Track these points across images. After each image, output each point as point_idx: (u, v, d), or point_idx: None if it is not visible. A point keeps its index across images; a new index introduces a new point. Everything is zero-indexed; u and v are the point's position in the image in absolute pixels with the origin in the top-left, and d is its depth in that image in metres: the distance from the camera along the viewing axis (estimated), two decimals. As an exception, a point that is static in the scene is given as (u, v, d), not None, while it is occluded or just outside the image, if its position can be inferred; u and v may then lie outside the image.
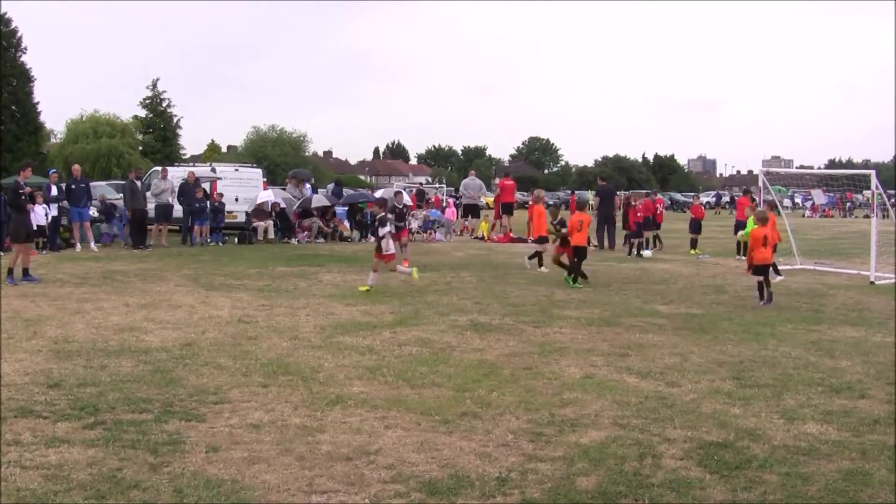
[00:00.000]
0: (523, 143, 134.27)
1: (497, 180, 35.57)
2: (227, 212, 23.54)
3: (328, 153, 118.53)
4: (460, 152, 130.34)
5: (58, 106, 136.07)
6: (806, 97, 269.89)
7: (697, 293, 13.27)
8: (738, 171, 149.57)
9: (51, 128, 61.22)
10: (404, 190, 32.15)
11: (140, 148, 56.59)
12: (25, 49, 51.10)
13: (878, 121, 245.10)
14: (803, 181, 40.39)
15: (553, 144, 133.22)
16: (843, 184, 33.06)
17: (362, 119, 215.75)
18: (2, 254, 16.16)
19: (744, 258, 16.55)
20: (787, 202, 48.02)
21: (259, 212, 23.62)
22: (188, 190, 21.51)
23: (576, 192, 56.91)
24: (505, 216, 26.01)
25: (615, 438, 5.61)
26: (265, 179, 28.04)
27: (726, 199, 66.78)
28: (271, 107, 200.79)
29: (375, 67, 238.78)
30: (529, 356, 8.21)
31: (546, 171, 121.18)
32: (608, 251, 21.45)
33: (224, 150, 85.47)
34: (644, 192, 30.90)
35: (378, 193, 30.13)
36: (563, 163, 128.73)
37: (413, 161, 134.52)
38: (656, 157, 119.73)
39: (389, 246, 12.92)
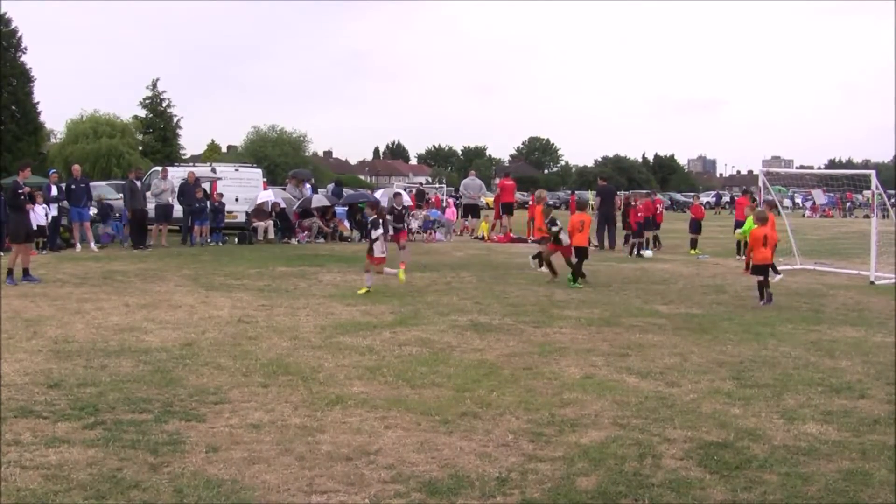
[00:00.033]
0: (523, 143, 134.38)
1: (497, 180, 35.60)
2: (227, 212, 23.54)
3: (328, 153, 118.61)
4: (460, 152, 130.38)
5: (58, 106, 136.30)
6: (806, 97, 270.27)
7: (697, 293, 13.27)
8: (738, 171, 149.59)
9: (51, 128, 61.39)
10: (404, 190, 32.23)
11: (140, 148, 56.61)
12: (25, 49, 51.24)
13: (878, 121, 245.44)
14: (803, 181, 40.42)
15: (553, 144, 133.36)
16: (843, 184, 33.07)
17: (362, 119, 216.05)
18: (1, 254, 16.15)
19: (743, 258, 16.57)
20: (787, 202, 48.03)
21: (259, 212, 23.62)
22: (188, 190, 21.51)
23: (576, 192, 56.90)
24: (505, 216, 26.02)
25: (615, 438, 5.61)
26: (265, 179, 28.05)
27: (726, 199, 66.79)
28: (271, 107, 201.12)
29: (375, 67, 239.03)
30: (529, 356, 8.21)
31: (546, 171, 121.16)
32: (608, 251, 21.45)
33: (224, 150, 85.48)
34: (644, 192, 30.91)
35: (378, 193, 30.20)
36: (563, 163, 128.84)
37: (413, 161, 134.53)
38: (656, 157, 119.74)
39: (381, 249, 12.88)
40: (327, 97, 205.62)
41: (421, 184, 50.77)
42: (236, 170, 26.50)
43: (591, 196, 33.12)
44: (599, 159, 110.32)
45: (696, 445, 5.49)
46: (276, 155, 65.11)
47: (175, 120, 62.16)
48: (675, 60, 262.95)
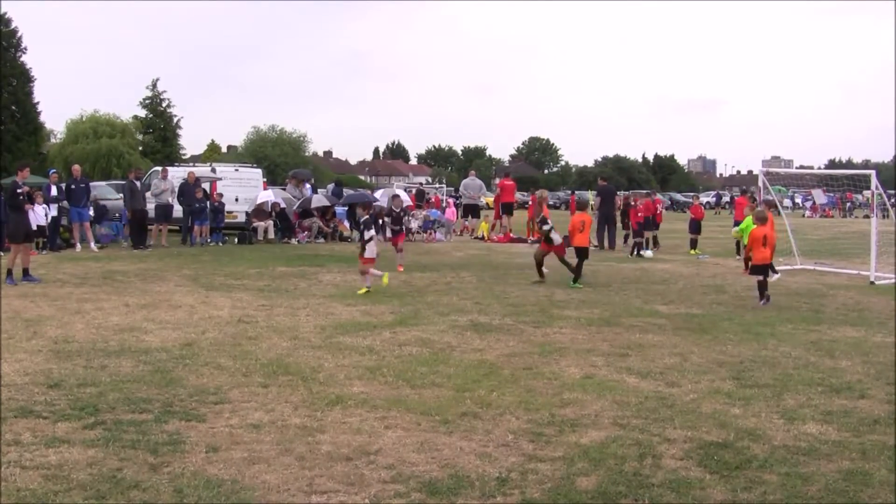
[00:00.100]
0: (523, 143, 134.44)
1: (497, 180, 35.61)
2: (227, 212, 23.55)
3: (328, 153, 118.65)
4: (460, 152, 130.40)
5: (58, 106, 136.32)
6: (806, 97, 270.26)
7: (697, 293, 13.27)
8: (738, 172, 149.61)
9: (51, 128, 61.39)
10: (404, 190, 32.24)
11: (140, 148, 56.58)
12: (25, 49, 51.21)
13: (878, 121, 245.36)
14: (803, 181, 40.43)
15: (553, 144, 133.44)
16: (843, 184, 33.09)
17: (362, 119, 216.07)
18: (1, 254, 16.15)
19: (742, 258, 16.55)
20: (787, 202, 48.03)
21: (259, 212, 23.63)
22: (188, 190, 21.51)
23: (576, 192, 56.95)
24: (505, 216, 26.01)
25: (615, 438, 5.61)
26: (265, 179, 28.06)
27: (726, 199, 66.79)
28: (271, 107, 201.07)
29: (375, 67, 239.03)
30: (529, 356, 8.21)
31: (546, 171, 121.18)
32: (608, 251, 21.45)
33: (224, 150, 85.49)
34: (644, 192, 30.91)
35: (378, 193, 30.22)
36: (563, 163, 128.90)
37: (413, 161, 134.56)
38: (656, 157, 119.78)
39: (373, 250, 12.84)
40: (327, 97, 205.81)
41: (421, 184, 50.77)
42: (236, 170, 26.51)
43: (590, 196, 33.08)
44: (599, 159, 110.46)
45: (696, 445, 5.49)
46: (276, 155, 65.11)
47: (175, 120, 62.20)
48: (675, 60, 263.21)
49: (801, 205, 57.00)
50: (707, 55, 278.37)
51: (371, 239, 12.82)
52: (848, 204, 54.53)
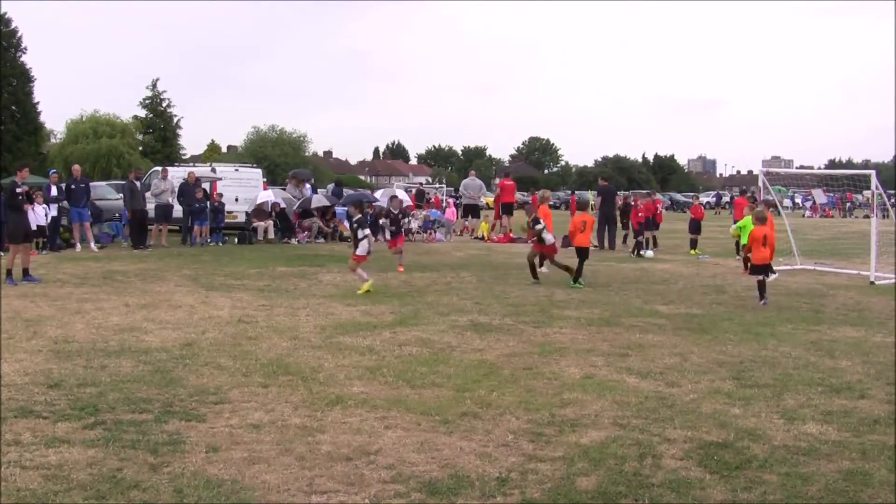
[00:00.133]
0: (523, 144, 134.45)
1: (497, 180, 35.59)
2: (227, 212, 23.55)
3: (328, 153, 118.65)
4: (460, 152, 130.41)
5: (58, 106, 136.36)
6: (806, 97, 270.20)
7: (697, 293, 13.27)
8: (738, 172, 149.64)
9: (51, 128, 61.42)
10: (405, 190, 32.23)
11: (140, 148, 56.59)
12: (25, 49, 51.27)
13: (878, 121, 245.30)
14: (803, 181, 40.45)
15: (553, 144, 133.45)
16: (843, 184, 33.09)
17: (362, 119, 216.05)
18: (1, 254, 16.16)
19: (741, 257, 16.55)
20: (787, 202, 48.04)
21: (259, 212, 23.63)
22: (188, 190, 21.51)
23: (576, 192, 56.95)
24: (505, 216, 26.01)
25: (615, 438, 5.61)
26: (265, 179, 28.06)
27: (726, 199, 66.80)
28: (271, 107, 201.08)
29: (375, 67, 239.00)
30: (529, 356, 8.21)
31: (546, 172, 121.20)
32: (608, 251, 21.45)
33: (224, 150, 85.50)
34: (644, 192, 30.93)
35: (378, 193, 30.23)
36: (563, 163, 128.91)
37: (413, 161, 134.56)
38: (656, 157, 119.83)
39: (365, 248, 12.79)
40: (327, 97, 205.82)
41: (421, 184, 50.79)
42: (236, 170, 26.51)
43: (590, 196, 33.09)
44: (599, 159, 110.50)
45: (696, 445, 5.49)
46: (276, 155, 65.12)
47: (175, 120, 62.23)
48: (675, 60, 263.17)
49: (801, 205, 57.00)
50: (707, 55, 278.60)
51: (365, 237, 12.80)
52: (848, 204, 54.56)
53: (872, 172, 17.48)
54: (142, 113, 60.81)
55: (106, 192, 25.59)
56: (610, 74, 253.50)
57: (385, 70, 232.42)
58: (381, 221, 19.99)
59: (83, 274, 14.57)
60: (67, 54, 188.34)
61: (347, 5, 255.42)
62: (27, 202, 14.88)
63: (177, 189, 21.63)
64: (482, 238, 25.96)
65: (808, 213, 52.44)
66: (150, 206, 21.09)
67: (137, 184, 21.21)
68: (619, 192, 28.51)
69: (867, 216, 34.36)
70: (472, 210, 28.41)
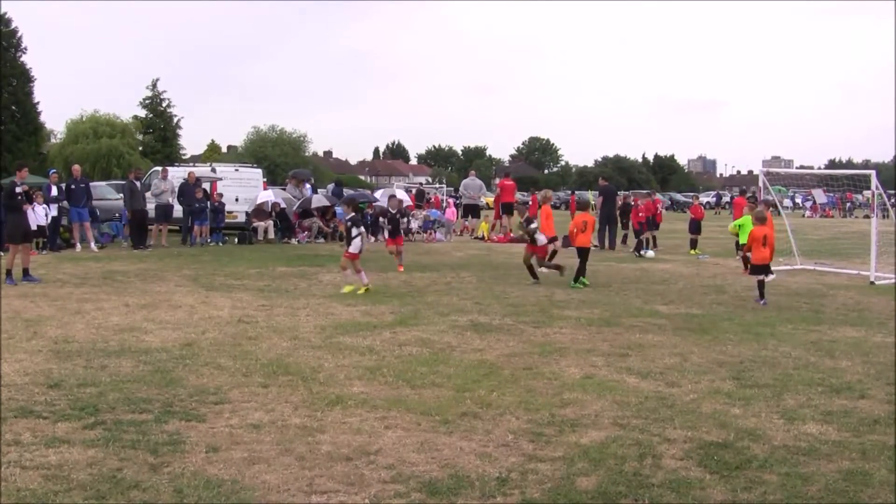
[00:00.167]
0: (523, 144, 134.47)
1: (497, 180, 35.63)
2: (227, 212, 23.55)
3: (328, 153, 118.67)
4: (460, 152, 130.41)
5: (58, 106, 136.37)
6: (806, 97, 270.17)
7: (697, 293, 13.27)
8: (739, 172, 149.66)
9: (51, 128, 61.40)
10: (405, 190, 32.21)
11: (140, 148, 56.59)
12: (25, 49, 51.27)
13: (878, 121, 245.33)
14: (803, 181, 40.47)
15: (553, 144, 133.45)
16: (843, 184, 33.10)
17: (362, 119, 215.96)
18: (1, 254, 16.16)
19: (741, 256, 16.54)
20: (787, 202, 48.05)
21: (259, 212, 23.63)
22: (188, 190, 21.52)
23: (576, 192, 56.96)
24: (505, 216, 26.02)
25: (615, 438, 5.61)
26: (265, 179, 28.06)
27: (726, 199, 66.79)
28: (271, 107, 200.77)
29: (375, 67, 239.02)
30: (529, 356, 8.21)
31: (546, 172, 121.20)
32: (608, 251, 21.45)
33: (224, 150, 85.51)
34: (645, 192, 30.94)
35: (378, 193, 30.22)
36: (563, 163, 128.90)
37: (413, 161, 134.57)
38: (656, 157, 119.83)
39: (358, 246, 12.77)
40: (327, 97, 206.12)
41: (421, 184, 50.79)
42: (236, 170, 26.52)
43: (590, 196, 33.09)
44: (599, 159, 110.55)
45: (696, 445, 5.49)
46: (276, 155, 65.14)
47: (175, 120, 62.22)
48: (675, 61, 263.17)
49: (801, 205, 57.01)
50: (707, 56, 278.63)
51: (358, 235, 12.80)
52: (848, 204, 54.56)
53: (872, 172, 17.48)
54: (142, 113, 60.84)
55: (106, 192, 25.59)
56: (610, 74, 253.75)
57: (385, 70, 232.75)
58: (380, 221, 20.01)
59: (83, 274, 14.57)
60: (67, 54, 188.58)
61: (347, 5, 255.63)
62: (26, 202, 14.87)
63: (177, 189, 21.64)
64: (482, 238, 25.96)
65: (808, 213, 52.44)
66: (150, 206, 21.10)
67: (137, 184, 21.21)
68: (618, 193, 28.52)
69: (867, 216, 34.37)
70: (472, 210, 28.41)
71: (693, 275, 16.13)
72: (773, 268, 12.82)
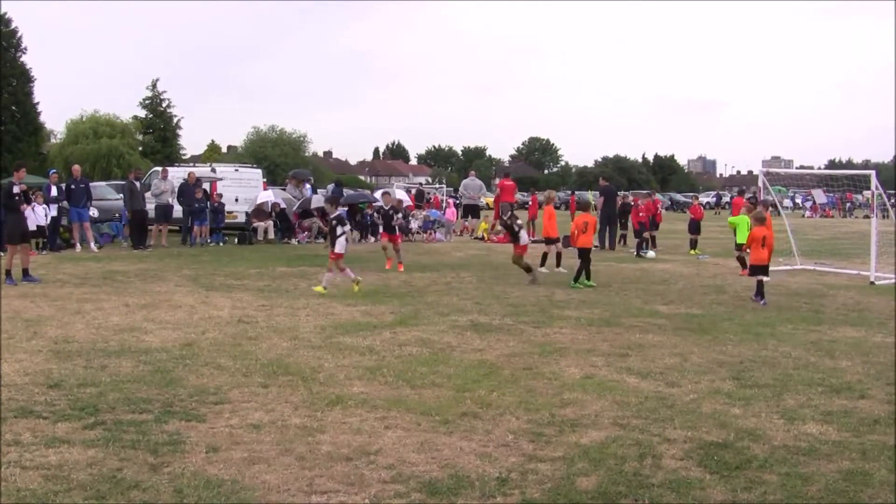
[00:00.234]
0: (523, 144, 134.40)
1: (497, 180, 35.58)
2: (227, 212, 23.55)
3: (328, 153, 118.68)
4: (460, 152, 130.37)
5: (58, 106, 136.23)
6: (806, 97, 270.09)
7: (697, 293, 13.27)
8: (738, 172, 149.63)
9: (51, 128, 61.38)
10: (406, 190, 32.21)
11: (140, 148, 56.56)
12: (25, 49, 51.28)
13: (878, 121, 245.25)
14: (803, 181, 40.47)
15: (553, 144, 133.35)
16: (843, 184, 33.10)
17: (362, 119, 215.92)
18: (2, 254, 16.16)
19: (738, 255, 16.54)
20: (787, 202, 48.06)
21: (259, 212, 23.63)
22: (188, 190, 21.52)
23: (576, 192, 56.93)
24: (505, 217, 25.99)
25: (615, 438, 5.61)
26: (265, 180, 28.06)
27: (726, 199, 66.80)
28: (271, 107, 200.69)
29: (375, 67, 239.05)
30: (529, 356, 8.21)
31: (546, 172, 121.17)
32: (608, 251, 21.45)
33: (224, 150, 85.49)
34: (645, 192, 30.94)
35: (378, 193, 30.20)
36: (563, 163, 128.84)
37: (413, 161, 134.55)
38: (656, 157, 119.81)
39: (341, 246, 12.76)
40: (327, 97, 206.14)
41: (421, 184, 50.78)
42: (236, 170, 26.53)
43: (590, 196, 33.09)
44: (599, 159, 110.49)
45: (696, 445, 5.49)
46: (276, 155, 65.12)
47: (175, 120, 62.16)
48: (675, 61, 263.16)
49: (801, 205, 57.02)
50: (707, 56, 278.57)
51: (343, 234, 12.80)
52: (848, 204, 54.56)
53: (872, 173, 17.48)
54: (142, 113, 60.78)
55: (106, 193, 25.59)
56: (610, 74, 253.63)
57: (385, 70, 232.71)
58: (374, 216, 20.03)
59: (83, 274, 14.57)
60: (67, 54, 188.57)
61: (347, 5, 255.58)
62: (24, 202, 14.85)
63: (177, 189, 21.64)
64: (482, 238, 25.96)
65: (808, 213, 52.43)
66: (150, 207, 21.10)
67: (137, 184, 21.22)
68: (618, 193, 28.51)
69: (867, 216, 34.38)
70: (472, 210, 28.40)
71: (693, 275, 16.14)
72: (772, 268, 12.84)
